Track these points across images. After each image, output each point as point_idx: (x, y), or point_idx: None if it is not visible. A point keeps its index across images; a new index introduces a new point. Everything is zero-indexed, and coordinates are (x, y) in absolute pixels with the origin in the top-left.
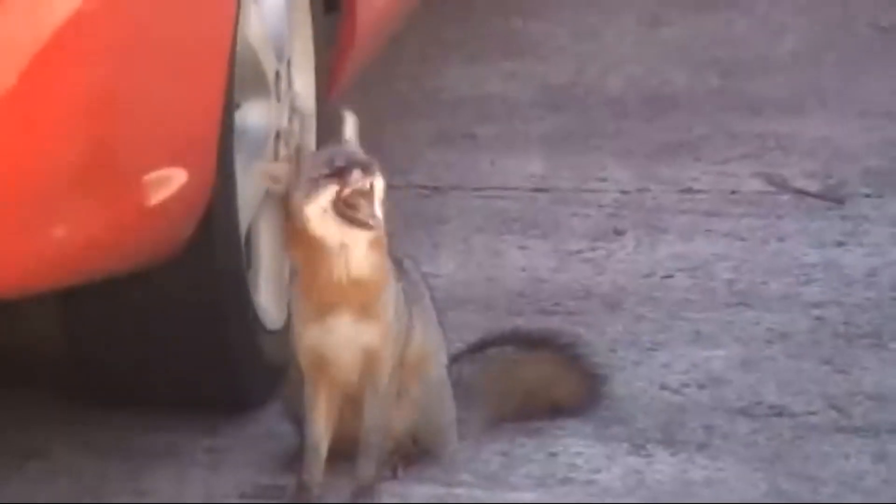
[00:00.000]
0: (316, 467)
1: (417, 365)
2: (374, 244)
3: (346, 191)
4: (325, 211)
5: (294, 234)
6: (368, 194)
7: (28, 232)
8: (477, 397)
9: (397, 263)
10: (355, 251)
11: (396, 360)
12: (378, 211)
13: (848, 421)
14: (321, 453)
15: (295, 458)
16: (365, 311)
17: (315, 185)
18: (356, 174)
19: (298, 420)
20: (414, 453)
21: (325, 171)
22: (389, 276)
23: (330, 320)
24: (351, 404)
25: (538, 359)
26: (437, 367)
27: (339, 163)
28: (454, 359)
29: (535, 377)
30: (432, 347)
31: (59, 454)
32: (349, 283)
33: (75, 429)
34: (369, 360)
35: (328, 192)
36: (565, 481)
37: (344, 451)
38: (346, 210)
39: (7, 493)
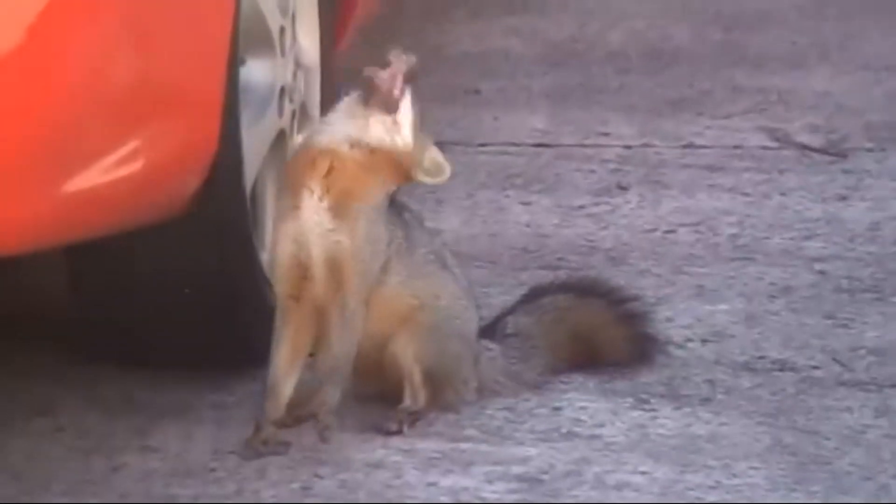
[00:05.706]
0: (273, 406)
1: (409, 314)
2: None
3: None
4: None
5: None
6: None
7: (33, 187)
8: (534, 347)
9: (397, 210)
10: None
11: (362, 294)
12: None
13: (850, 375)
14: (280, 393)
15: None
16: (339, 203)
17: None
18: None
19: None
20: (424, 401)
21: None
22: (374, 198)
23: (303, 206)
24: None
25: (591, 305)
26: (440, 309)
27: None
28: (509, 311)
29: (589, 324)
30: (427, 296)
31: (65, 410)
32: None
33: (81, 385)
34: (335, 269)
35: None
36: (569, 436)
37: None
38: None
39: (13, 449)
